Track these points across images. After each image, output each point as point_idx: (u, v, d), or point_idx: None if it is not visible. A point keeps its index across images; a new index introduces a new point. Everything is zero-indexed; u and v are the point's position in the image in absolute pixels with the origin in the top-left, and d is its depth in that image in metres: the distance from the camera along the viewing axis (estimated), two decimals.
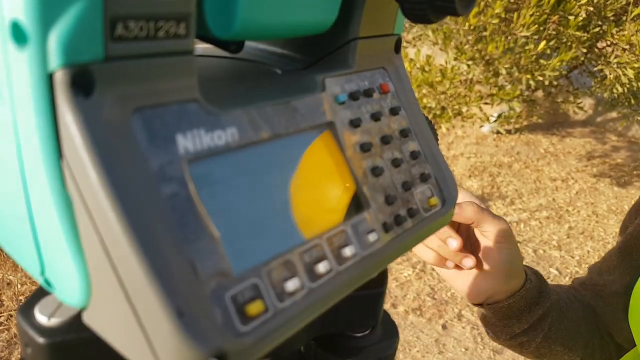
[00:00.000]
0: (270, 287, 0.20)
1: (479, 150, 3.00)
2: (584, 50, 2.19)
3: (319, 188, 0.24)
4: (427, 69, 2.29)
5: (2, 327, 1.59)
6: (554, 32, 2.05)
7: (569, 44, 2.07)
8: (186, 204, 0.18)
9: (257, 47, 0.30)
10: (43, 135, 0.17)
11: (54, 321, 0.23)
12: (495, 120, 2.81)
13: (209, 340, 0.17)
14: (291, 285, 0.20)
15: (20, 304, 1.65)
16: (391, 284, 1.98)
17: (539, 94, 2.91)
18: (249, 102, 0.22)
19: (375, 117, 0.27)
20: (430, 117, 2.50)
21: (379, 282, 0.30)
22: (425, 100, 2.38)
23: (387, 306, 1.86)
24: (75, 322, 0.23)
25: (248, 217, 0.20)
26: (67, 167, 0.17)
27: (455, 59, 2.25)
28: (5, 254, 1.81)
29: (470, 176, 2.75)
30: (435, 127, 2.47)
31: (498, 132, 3.14)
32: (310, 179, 0.23)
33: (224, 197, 0.20)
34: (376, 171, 0.26)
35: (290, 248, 0.21)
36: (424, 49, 2.46)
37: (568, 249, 2.21)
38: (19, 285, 1.76)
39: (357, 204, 0.25)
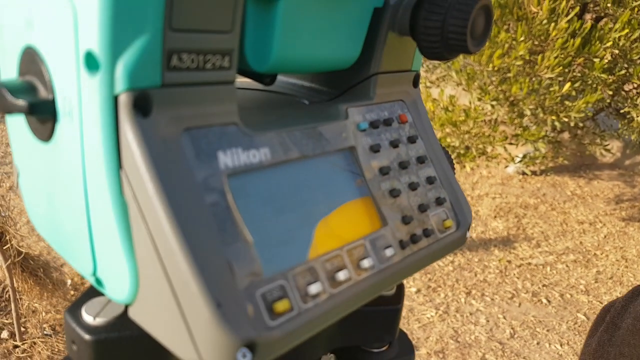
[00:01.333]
0: (296, 289, 0.22)
1: (504, 190, 2.98)
2: (610, 93, 2.19)
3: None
4: (450, 108, 2.32)
5: (25, 355, 1.61)
6: (579, 74, 2.07)
7: (594, 86, 2.08)
8: (225, 212, 0.21)
9: (288, 81, 0.33)
10: (106, 148, 0.20)
11: (99, 320, 0.26)
12: (520, 161, 2.80)
13: (243, 330, 0.19)
14: (314, 288, 0.22)
15: (44, 332, 1.67)
16: (413, 325, 1.95)
17: (565, 135, 2.90)
18: (280, 126, 0.25)
19: (394, 144, 0.29)
20: (454, 156, 2.51)
21: (396, 300, 0.32)
22: (448, 140, 2.40)
23: None
24: (118, 322, 0.26)
25: (278, 227, 0.23)
26: (125, 176, 0.20)
27: (479, 99, 2.28)
28: (32, 282, 1.86)
29: (495, 217, 2.73)
30: (459, 166, 2.47)
31: (524, 173, 3.12)
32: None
33: (257, 208, 0.23)
34: (394, 192, 0.28)
35: (315, 257, 0.23)
36: (447, 89, 2.50)
37: (596, 294, 2.15)
38: (43, 313, 1.79)
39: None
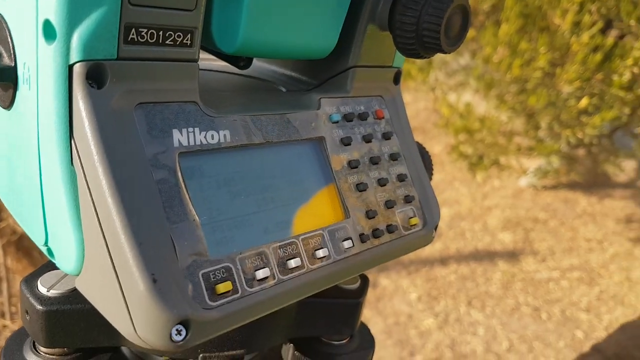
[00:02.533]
0: (242, 272, 0.22)
1: (515, 203, 2.95)
2: (627, 112, 2.15)
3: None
4: (465, 115, 2.30)
5: None
6: (597, 91, 2.03)
7: (610, 103, 2.04)
8: (173, 190, 0.21)
9: (269, 68, 0.33)
10: (58, 116, 0.20)
11: (52, 292, 0.26)
12: (532, 174, 2.76)
13: (178, 307, 0.19)
14: (261, 273, 0.22)
15: None
16: (410, 332, 1.94)
17: (581, 151, 2.86)
18: (245, 110, 0.25)
19: (367, 138, 0.29)
20: (466, 164, 2.48)
21: (358, 293, 0.31)
22: (462, 148, 2.37)
23: (404, 354, 1.82)
24: (71, 296, 0.26)
25: (232, 210, 0.23)
26: (74, 145, 0.20)
27: (496, 108, 2.25)
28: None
29: (503, 229, 2.70)
30: (470, 175, 2.44)
31: (535, 187, 3.09)
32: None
33: (211, 189, 0.22)
34: (360, 187, 0.28)
35: (267, 243, 0.23)
36: (464, 96, 2.47)
37: (597, 312, 2.12)
38: None
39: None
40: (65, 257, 0.22)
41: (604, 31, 2.13)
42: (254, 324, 0.27)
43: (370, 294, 2.09)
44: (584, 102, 2.01)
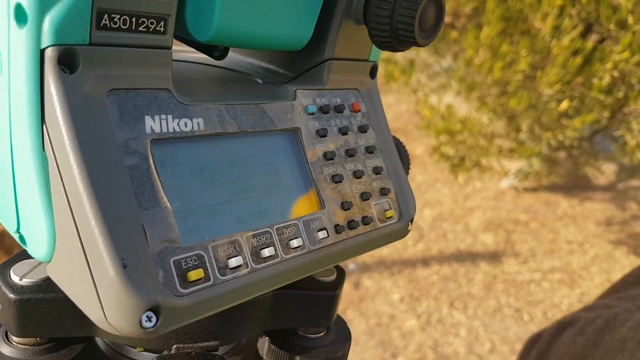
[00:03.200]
0: (214, 260, 0.22)
1: (497, 205, 2.98)
2: (607, 115, 2.19)
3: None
4: (446, 117, 2.32)
5: None
6: (577, 94, 2.07)
7: (590, 106, 2.08)
8: (144, 176, 0.21)
9: (246, 60, 0.33)
10: (30, 101, 0.20)
11: (25, 281, 0.26)
12: (514, 176, 2.80)
13: (148, 293, 0.19)
14: (234, 262, 0.22)
15: None
16: (393, 333, 1.95)
17: (561, 154, 2.90)
18: (220, 99, 0.25)
19: (343, 131, 0.29)
20: (447, 165, 2.51)
21: (334, 286, 0.32)
22: (443, 149, 2.39)
23: (386, 355, 1.83)
24: (44, 284, 0.26)
25: (205, 198, 0.23)
26: (46, 130, 0.20)
27: (477, 110, 2.28)
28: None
29: (485, 230, 2.73)
30: (452, 177, 2.47)
31: (517, 189, 3.13)
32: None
33: (184, 176, 0.22)
34: (336, 178, 0.28)
35: (241, 231, 0.23)
36: (446, 98, 2.50)
37: None
38: None
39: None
40: (37, 244, 0.22)
41: (584, 35, 2.17)
42: (228, 315, 0.27)
43: (353, 295, 2.09)
44: (564, 105, 2.04)
